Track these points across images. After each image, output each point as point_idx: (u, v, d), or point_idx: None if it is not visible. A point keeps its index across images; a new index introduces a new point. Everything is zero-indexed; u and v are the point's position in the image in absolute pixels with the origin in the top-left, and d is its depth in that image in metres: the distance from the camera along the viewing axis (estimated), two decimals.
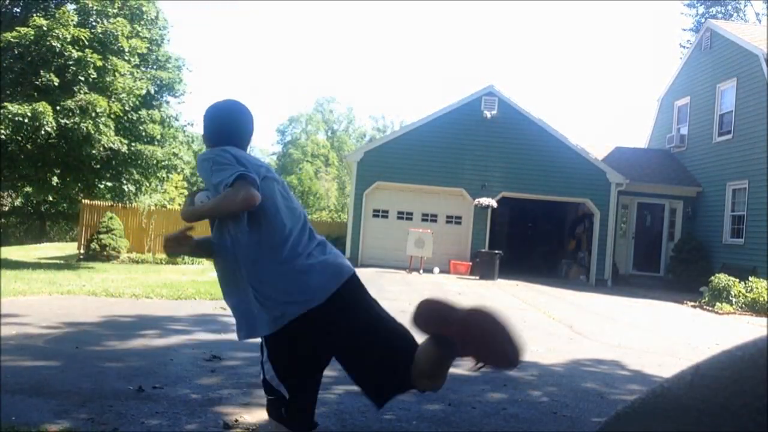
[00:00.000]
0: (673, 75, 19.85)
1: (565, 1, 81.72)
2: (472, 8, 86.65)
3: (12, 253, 18.49)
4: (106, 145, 13.84)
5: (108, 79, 13.99)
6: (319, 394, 4.25)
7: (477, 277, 15.02)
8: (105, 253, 17.34)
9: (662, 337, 8.38)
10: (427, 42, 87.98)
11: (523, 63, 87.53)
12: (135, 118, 15.14)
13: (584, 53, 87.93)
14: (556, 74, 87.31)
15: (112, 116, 13.92)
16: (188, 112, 55.22)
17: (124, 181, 15.52)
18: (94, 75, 13.77)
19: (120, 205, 17.76)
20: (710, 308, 12.20)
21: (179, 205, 35.41)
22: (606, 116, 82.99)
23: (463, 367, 5.49)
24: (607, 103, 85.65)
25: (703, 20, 26.61)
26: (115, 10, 14.86)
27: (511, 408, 4.28)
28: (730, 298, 12.34)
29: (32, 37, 13.23)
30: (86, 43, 13.82)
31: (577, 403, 4.55)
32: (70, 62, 13.62)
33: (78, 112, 13.29)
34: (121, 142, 14.27)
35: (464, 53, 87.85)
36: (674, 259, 16.86)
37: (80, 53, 13.61)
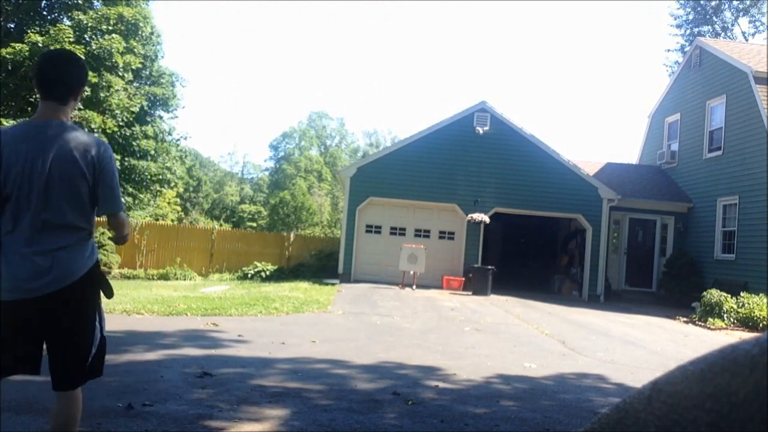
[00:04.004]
0: (663, 92, 20.06)
1: (557, 18, 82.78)
2: (466, 25, 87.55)
3: None
4: None
5: (102, 95, 14.03)
6: (312, 413, 4.24)
7: (470, 293, 15.01)
8: None
9: (654, 353, 8.39)
10: (420, 59, 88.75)
11: (516, 79, 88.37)
12: (128, 133, 15.17)
13: (576, 70, 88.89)
14: (548, 90, 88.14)
15: (107, 131, 13.95)
16: (181, 126, 55.33)
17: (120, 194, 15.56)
18: (89, 91, 13.82)
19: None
20: (702, 324, 12.23)
21: (171, 221, 35.29)
22: (597, 132, 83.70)
23: (454, 383, 5.49)
24: (598, 120, 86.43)
25: (692, 39, 26.97)
26: (110, 27, 14.93)
27: (504, 425, 4.27)
28: (722, 314, 12.37)
29: (27, 53, 13.27)
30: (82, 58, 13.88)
31: (569, 420, 4.54)
32: None
33: None
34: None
35: (457, 69, 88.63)
36: (666, 274, 16.91)
37: None
